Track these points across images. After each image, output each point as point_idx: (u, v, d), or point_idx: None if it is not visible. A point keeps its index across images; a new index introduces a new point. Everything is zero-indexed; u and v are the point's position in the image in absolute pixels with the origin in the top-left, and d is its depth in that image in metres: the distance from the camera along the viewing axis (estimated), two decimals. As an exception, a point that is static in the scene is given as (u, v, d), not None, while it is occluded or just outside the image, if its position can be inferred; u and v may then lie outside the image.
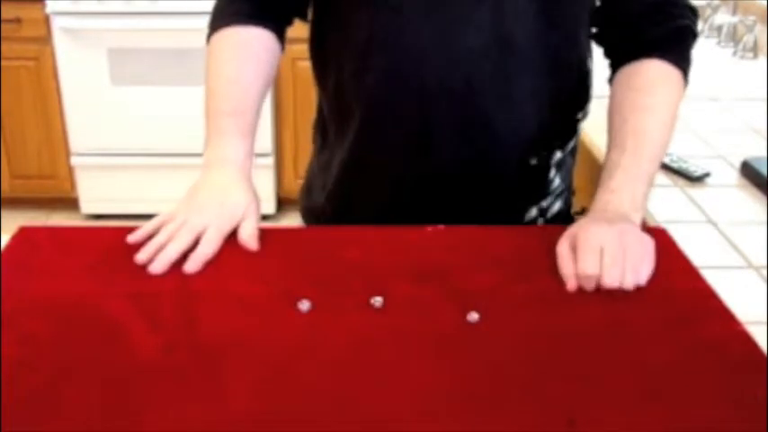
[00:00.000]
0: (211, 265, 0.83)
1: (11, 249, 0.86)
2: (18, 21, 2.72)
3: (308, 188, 1.14)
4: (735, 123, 1.44)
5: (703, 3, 2.19)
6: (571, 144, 1.07)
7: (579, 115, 1.06)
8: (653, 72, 0.99)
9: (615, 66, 1.03)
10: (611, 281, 0.79)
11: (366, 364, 0.68)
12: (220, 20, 0.99)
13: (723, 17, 2.02)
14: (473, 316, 0.75)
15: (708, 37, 2.05)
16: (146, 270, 0.81)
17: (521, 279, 0.82)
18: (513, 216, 1.04)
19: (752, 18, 1.92)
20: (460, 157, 0.98)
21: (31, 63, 2.78)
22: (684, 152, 1.27)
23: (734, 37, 1.96)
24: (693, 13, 1.02)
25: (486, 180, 1.01)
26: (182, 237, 0.84)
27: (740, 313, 0.77)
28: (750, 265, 0.96)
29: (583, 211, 1.41)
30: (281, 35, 1.02)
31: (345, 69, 0.98)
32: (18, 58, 2.77)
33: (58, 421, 0.61)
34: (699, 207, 1.10)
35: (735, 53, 1.91)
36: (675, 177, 1.19)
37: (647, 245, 0.84)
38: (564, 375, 0.67)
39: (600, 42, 1.05)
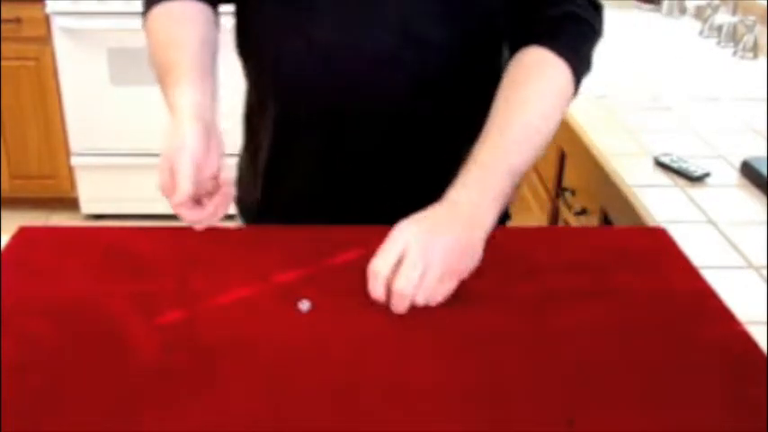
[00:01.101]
0: (211, 264, 0.83)
1: (11, 249, 0.86)
2: (18, 21, 2.71)
3: (239, 180, 1.15)
4: (735, 123, 1.44)
5: (703, 3, 2.19)
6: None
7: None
8: (531, 61, 0.93)
9: (510, 54, 1.00)
10: (398, 288, 0.75)
11: (366, 364, 0.68)
12: (151, 1, 0.99)
13: (723, 17, 2.02)
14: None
15: (708, 37, 2.05)
16: (146, 269, 0.81)
17: (521, 279, 0.82)
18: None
19: (752, 18, 1.92)
20: (376, 148, 0.99)
21: (31, 63, 2.78)
22: (684, 152, 1.27)
23: (734, 37, 1.96)
24: (594, 7, 0.98)
25: (407, 164, 1.01)
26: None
27: (740, 313, 0.77)
28: (750, 265, 0.96)
29: (583, 211, 1.42)
30: (213, 8, 1.01)
31: (261, 64, 1.00)
32: (18, 58, 2.77)
33: (58, 421, 0.61)
34: (699, 207, 1.10)
35: (735, 53, 1.91)
36: (675, 177, 1.19)
37: (466, 261, 0.79)
38: (564, 375, 0.67)
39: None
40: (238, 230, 0.91)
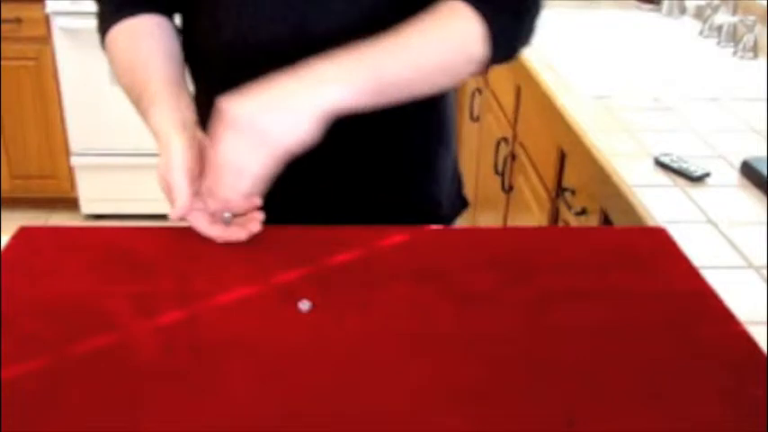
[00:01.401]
0: (211, 264, 0.83)
1: (11, 249, 0.86)
2: (18, 21, 2.72)
3: None
4: (735, 123, 1.44)
5: (703, 3, 2.19)
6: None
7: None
8: (442, 8, 0.89)
9: None
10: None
11: (366, 364, 0.69)
12: (107, 21, 0.99)
13: (723, 17, 2.02)
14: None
15: (708, 37, 2.05)
16: (146, 269, 0.82)
17: (521, 279, 0.82)
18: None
19: (752, 18, 1.92)
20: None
21: (31, 63, 2.78)
22: (684, 152, 1.27)
23: (734, 37, 1.96)
24: None
25: (359, 150, 1.00)
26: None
27: (740, 313, 0.77)
28: (750, 265, 0.96)
29: (583, 211, 1.42)
30: (170, 19, 1.01)
31: (208, 74, 1.00)
32: (18, 58, 2.77)
33: (58, 421, 0.61)
34: (699, 207, 1.10)
35: (735, 53, 1.91)
36: (675, 177, 1.19)
37: (284, 134, 0.77)
38: (564, 375, 0.67)
39: None
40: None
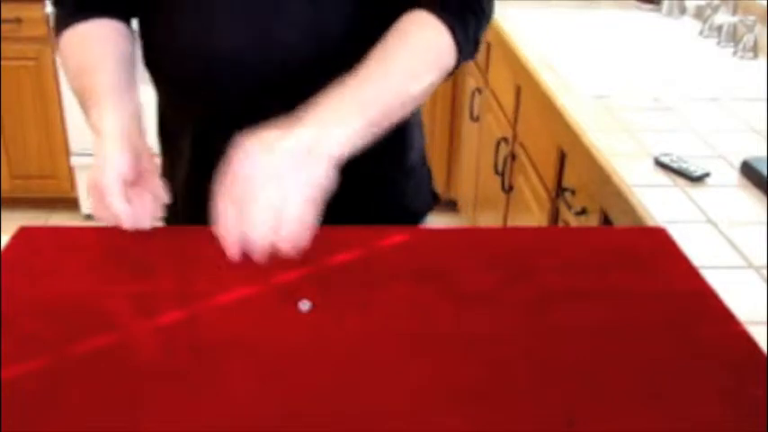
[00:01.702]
0: (211, 264, 0.83)
1: (11, 249, 0.86)
2: (18, 21, 2.72)
3: None
4: (735, 123, 1.44)
5: (703, 3, 2.19)
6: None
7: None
8: (411, 21, 0.90)
9: None
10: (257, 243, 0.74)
11: (366, 364, 0.68)
12: (61, 24, 0.99)
13: (723, 17, 2.02)
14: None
15: (708, 37, 2.05)
16: (146, 269, 0.81)
17: (520, 279, 0.82)
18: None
19: (752, 18, 1.92)
20: None
21: (31, 63, 2.78)
22: (684, 152, 1.27)
23: (734, 37, 1.96)
24: None
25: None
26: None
27: (740, 313, 0.77)
28: (750, 265, 0.96)
29: (583, 211, 1.42)
30: (127, 23, 1.01)
31: (170, 78, 1.00)
32: (18, 58, 2.77)
33: (58, 421, 0.61)
34: (699, 207, 1.10)
35: (735, 53, 1.91)
36: (675, 177, 1.19)
37: (311, 185, 0.76)
38: (564, 375, 0.67)
39: None
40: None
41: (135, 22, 1.04)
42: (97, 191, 0.83)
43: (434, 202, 1.18)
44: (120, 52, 0.96)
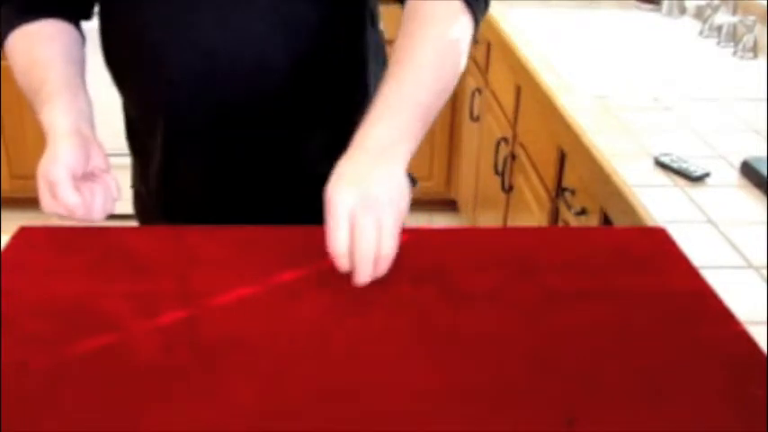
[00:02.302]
0: (211, 264, 0.83)
1: (11, 249, 0.86)
2: (18, 21, 2.72)
3: (136, 198, 1.19)
4: (735, 123, 1.44)
5: (703, 3, 2.19)
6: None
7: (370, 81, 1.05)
8: (432, 4, 0.90)
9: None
10: (362, 254, 0.74)
11: (366, 364, 0.68)
12: (8, 25, 0.99)
13: (723, 17, 2.02)
14: None
15: (708, 37, 2.05)
16: (146, 269, 0.81)
17: (520, 279, 0.82)
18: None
19: (752, 18, 1.92)
20: (269, 134, 1.01)
21: (31, 63, 2.78)
22: (684, 152, 1.27)
23: (734, 37, 1.96)
24: None
25: (300, 148, 1.03)
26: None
27: (740, 313, 0.77)
28: (750, 265, 0.96)
29: (583, 211, 1.42)
30: (76, 25, 1.03)
31: (142, 73, 1.00)
32: (18, 58, 2.77)
33: (58, 421, 0.61)
34: (699, 207, 1.10)
35: (735, 53, 1.91)
36: (675, 177, 1.19)
37: (404, 198, 0.78)
38: (564, 375, 0.67)
39: None
40: (238, 230, 0.91)
41: (90, 22, 1.05)
42: (47, 184, 0.83)
43: (413, 184, 1.18)
44: (69, 51, 0.96)
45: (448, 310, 0.76)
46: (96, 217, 0.86)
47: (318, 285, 0.79)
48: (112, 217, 0.85)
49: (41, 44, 0.96)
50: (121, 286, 0.79)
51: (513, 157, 1.98)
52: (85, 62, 0.99)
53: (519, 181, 1.93)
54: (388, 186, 0.77)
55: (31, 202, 3.33)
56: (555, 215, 1.64)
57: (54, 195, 0.83)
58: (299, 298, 0.77)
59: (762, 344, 0.72)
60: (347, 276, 0.81)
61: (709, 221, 1.06)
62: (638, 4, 2.38)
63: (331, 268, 0.83)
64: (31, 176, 3.03)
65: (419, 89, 0.84)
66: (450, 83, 0.88)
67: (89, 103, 0.92)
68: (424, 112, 0.83)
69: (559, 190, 1.59)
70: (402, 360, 0.69)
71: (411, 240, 0.89)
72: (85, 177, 0.86)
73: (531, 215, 1.80)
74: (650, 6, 2.35)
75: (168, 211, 1.10)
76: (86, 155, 0.85)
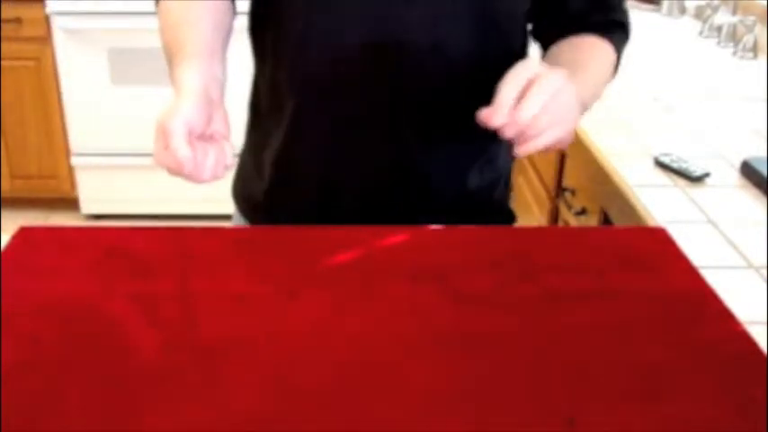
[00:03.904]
0: (211, 264, 0.83)
1: (11, 249, 0.86)
2: (18, 21, 2.72)
3: (240, 174, 1.14)
4: (735, 123, 1.44)
5: (703, 3, 2.19)
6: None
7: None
8: (589, 39, 1.03)
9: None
10: (521, 114, 0.79)
11: (366, 364, 0.68)
12: None
13: (723, 17, 2.02)
14: None
15: (708, 37, 2.05)
16: (146, 269, 0.81)
17: (520, 279, 0.82)
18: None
19: (752, 18, 1.92)
20: (394, 156, 1.01)
21: (31, 63, 2.79)
22: (684, 152, 1.27)
23: (734, 37, 1.96)
24: (626, 14, 1.09)
25: (416, 179, 1.03)
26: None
27: (740, 313, 0.77)
28: (750, 265, 0.96)
29: (583, 211, 1.42)
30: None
31: (282, 62, 1.00)
32: (18, 58, 2.77)
33: (58, 421, 0.61)
34: (699, 207, 1.10)
35: (735, 53, 1.91)
36: (675, 177, 1.19)
37: (572, 121, 0.86)
38: (564, 375, 0.67)
39: (536, 38, 1.09)
40: (238, 230, 0.91)
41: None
42: (162, 134, 0.80)
43: (512, 221, 1.18)
44: (219, 18, 0.95)
45: (448, 310, 0.76)
46: (204, 177, 0.81)
47: (318, 285, 0.80)
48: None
49: (195, 5, 0.95)
50: (122, 286, 0.79)
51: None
52: (232, 33, 0.98)
53: (519, 181, 1.93)
54: (569, 102, 0.85)
55: (31, 202, 3.32)
56: (555, 215, 1.64)
57: (166, 146, 0.79)
58: (299, 298, 0.77)
59: (762, 344, 0.72)
60: (347, 276, 0.81)
61: (710, 221, 1.06)
62: (638, 4, 2.38)
63: (331, 268, 0.83)
64: (31, 176, 3.02)
65: (590, 89, 0.96)
66: (600, 95, 1.01)
67: (224, 72, 0.90)
68: (588, 105, 0.97)
69: (559, 190, 1.59)
70: (402, 360, 0.69)
71: (411, 240, 0.89)
72: (203, 138, 0.82)
73: (531, 215, 1.80)
74: (650, 6, 2.35)
75: (275, 202, 1.08)
76: (208, 116, 0.82)
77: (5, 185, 2.94)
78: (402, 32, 0.94)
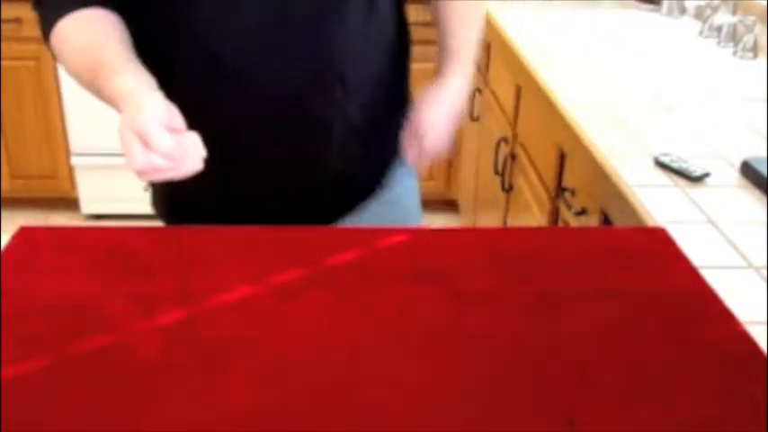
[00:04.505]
0: (211, 264, 0.83)
1: (11, 249, 0.86)
2: (18, 21, 2.71)
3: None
4: (735, 123, 1.44)
5: (703, 3, 2.19)
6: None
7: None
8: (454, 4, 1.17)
9: None
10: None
11: (366, 364, 0.69)
12: (51, 18, 0.96)
13: (723, 17, 2.02)
14: None
15: (708, 37, 2.05)
16: (146, 269, 0.81)
17: (521, 279, 0.82)
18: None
19: (752, 18, 1.92)
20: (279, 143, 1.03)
21: (31, 63, 2.78)
22: (684, 152, 1.27)
23: (734, 37, 1.96)
24: None
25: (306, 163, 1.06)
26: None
27: (740, 313, 0.77)
28: (750, 265, 0.96)
29: (583, 211, 1.42)
30: (118, 14, 1.00)
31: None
32: (18, 58, 2.77)
33: (58, 421, 0.61)
34: (699, 207, 1.10)
35: (735, 53, 1.91)
36: (675, 177, 1.19)
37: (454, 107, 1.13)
38: (564, 375, 0.67)
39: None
40: (238, 230, 0.91)
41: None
42: (137, 135, 0.78)
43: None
44: (119, 34, 0.94)
45: (448, 310, 0.76)
46: (187, 167, 0.81)
47: (318, 285, 0.80)
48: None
49: (95, 26, 0.94)
50: (121, 286, 0.79)
51: (513, 157, 1.98)
52: (131, 45, 0.99)
53: (519, 181, 1.93)
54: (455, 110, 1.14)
55: (31, 202, 3.31)
56: (555, 215, 1.64)
57: (147, 144, 0.78)
58: (299, 298, 0.77)
59: (762, 344, 0.72)
60: (347, 276, 0.81)
61: (709, 221, 1.06)
62: (638, 4, 2.38)
63: (331, 268, 0.83)
64: (31, 176, 3.01)
65: (472, 52, 1.18)
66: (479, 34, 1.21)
67: (153, 79, 0.90)
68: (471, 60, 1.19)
69: (559, 190, 1.59)
70: (402, 360, 0.69)
71: (411, 240, 0.89)
72: (171, 132, 0.81)
73: (531, 215, 1.80)
74: (650, 6, 2.34)
75: (176, 200, 1.09)
76: (170, 110, 0.82)
77: (5, 185, 2.94)
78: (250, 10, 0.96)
